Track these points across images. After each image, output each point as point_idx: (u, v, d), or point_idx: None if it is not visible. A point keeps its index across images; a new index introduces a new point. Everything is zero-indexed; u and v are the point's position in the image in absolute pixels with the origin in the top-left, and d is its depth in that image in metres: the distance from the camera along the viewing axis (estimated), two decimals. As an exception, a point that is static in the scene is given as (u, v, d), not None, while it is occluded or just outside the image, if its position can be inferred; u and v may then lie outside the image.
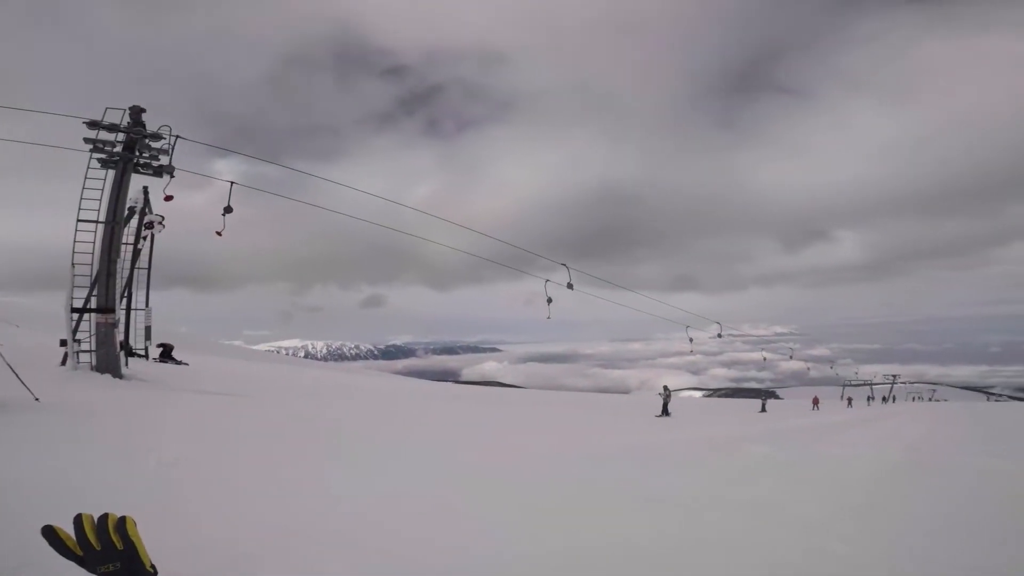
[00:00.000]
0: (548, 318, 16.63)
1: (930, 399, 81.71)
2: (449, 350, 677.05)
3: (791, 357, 36.36)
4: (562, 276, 17.36)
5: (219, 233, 11.06)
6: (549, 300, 16.66)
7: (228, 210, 10.91)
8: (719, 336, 24.00)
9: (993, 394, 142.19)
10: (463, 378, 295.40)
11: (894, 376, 70.30)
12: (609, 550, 4.56)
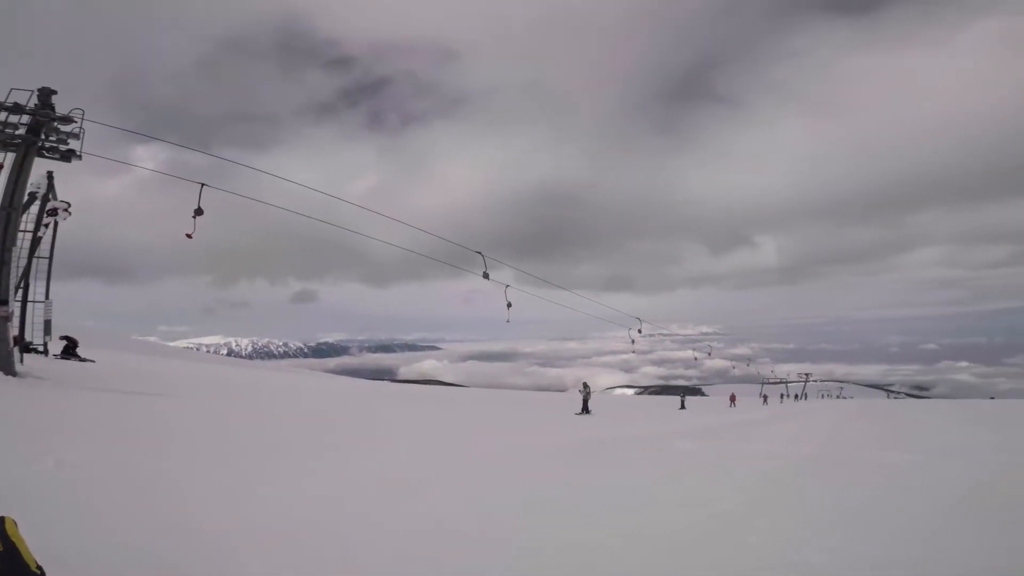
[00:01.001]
0: (507, 321, 17.32)
1: (838, 396, 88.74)
2: (385, 348, 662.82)
3: (709, 354, 38.06)
4: (508, 277, 17.45)
5: (189, 236, 10.55)
6: (509, 305, 17.40)
7: (199, 212, 10.46)
8: (638, 331, 24.49)
9: (893, 392, 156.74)
10: (400, 377, 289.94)
11: (807, 375, 75.90)
12: (543, 548, 4.58)
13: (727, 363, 55.18)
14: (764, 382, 60.65)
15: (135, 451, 6.72)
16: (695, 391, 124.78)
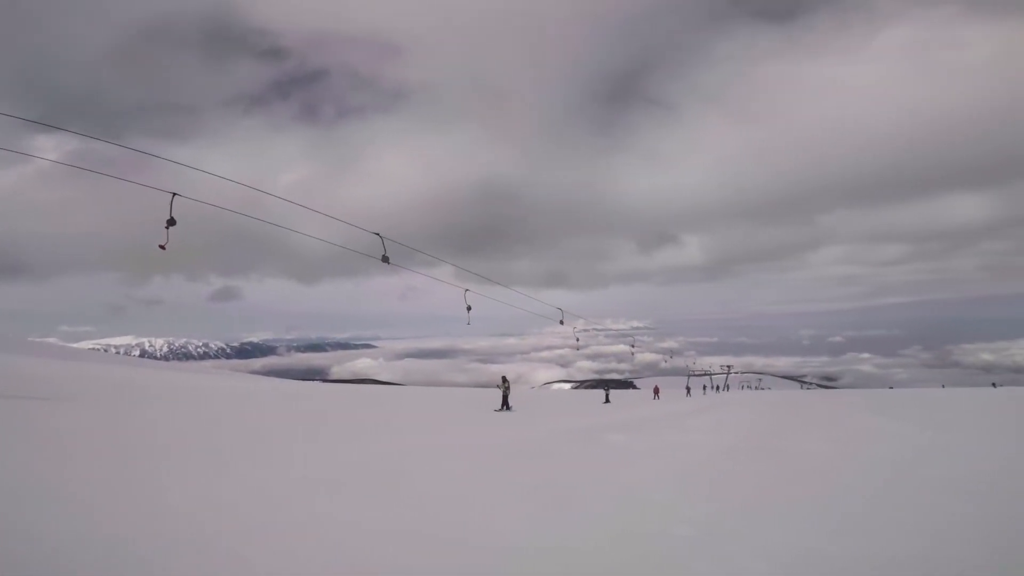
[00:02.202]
0: (468, 324, 17.39)
1: (757, 388, 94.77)
2: (316, 347, 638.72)
3: (632, 347, 38.75)
4: (446, 273, 17.04)
5: (162, 247, 10.19)
6: (469, 308, 17.45)
7: (171, 222, 10.11)
8: (560, 323, 24.26)
9: (805, 382, 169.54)
10: (333, 376, 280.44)
11: (728, 367, 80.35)
12: (482, 545, 4.52)
13: (657, 356, 57.42)
14: (690, 374, 63.54)
15: (32, 461, 5.98)
16: (627, 384, 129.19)
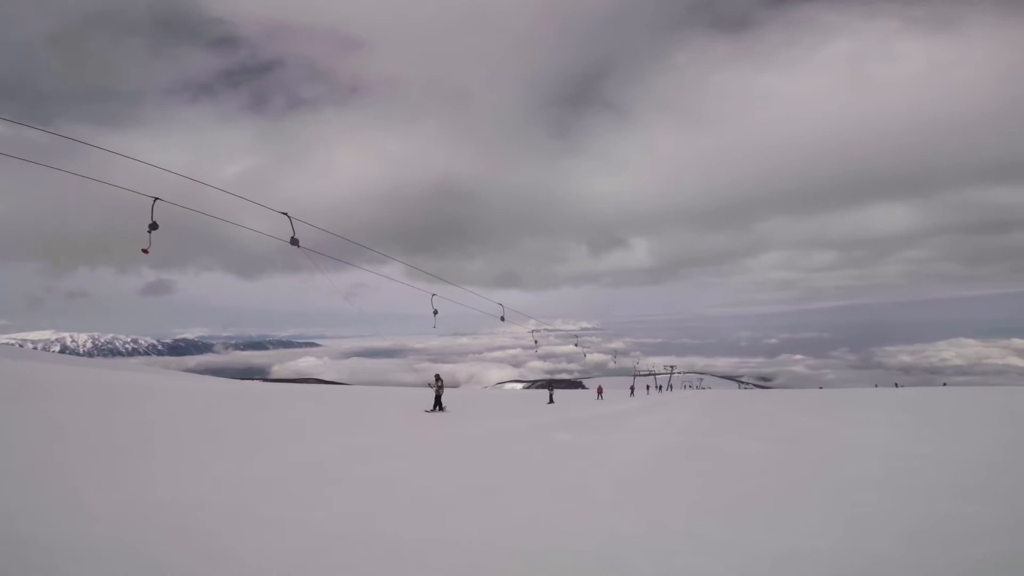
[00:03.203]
0: (434, 327, 17.60)
1: (697, 387, 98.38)
2: (256, 345, 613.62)
3: (576, 344, 38.99)
4: (397, 271, 16.54)
5: (145, 251, 10.27)
6: (435, 312, 17.63)
7: (153, 227, 10.19)
8: (501, 318, 23.72)
9: (743, 382, 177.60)
10: (274, 375, 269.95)
11: (672, 367, 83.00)
12: (433, 543, 4.51)
13: (605, 357, 58.58)
14: (635, 374, 65.13)
15: None
16: (576, 384, 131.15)
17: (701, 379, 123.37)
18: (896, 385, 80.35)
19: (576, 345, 39.13)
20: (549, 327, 39.07)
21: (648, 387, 63.85)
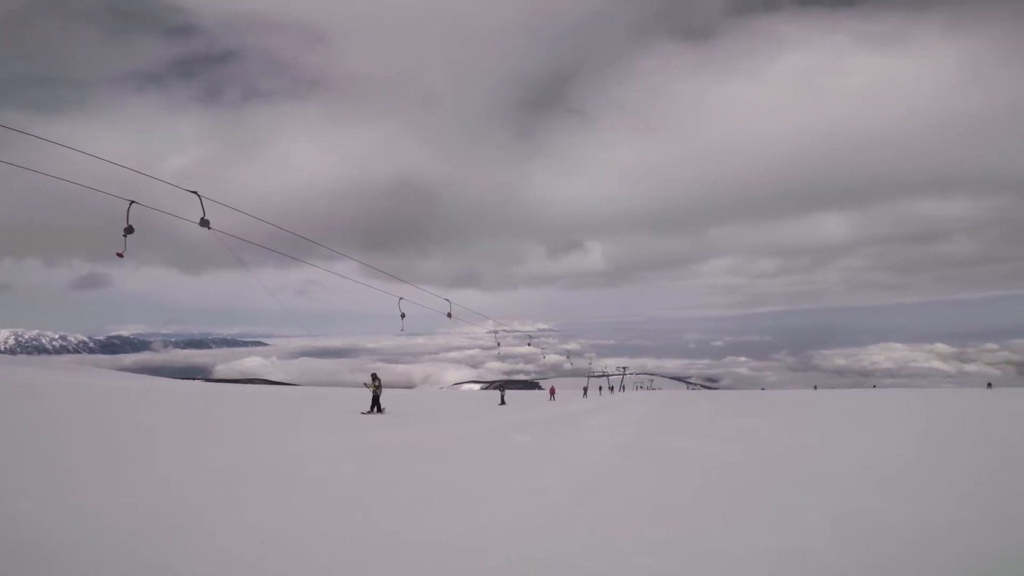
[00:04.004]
0: (402, 330, 17.88)
1: (648, 387, 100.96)
2: (199, 344, 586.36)
3: (529, 343, 38.86)
4: (349, 268, 16.07)
5: (120, 255, 10.20)
6: (403, 315, 17.66)
7: (129, 230, 10.13)
8: (448, 315, 22.42)
9: (691, 383, 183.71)
10: (217, 375, 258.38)
11: (624, 368, 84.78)
12: (388, 543, 4.47)
13: (561, 358, 59.13)
14: (590, 375, 66.10)
15: None
16: (533, 385, 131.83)
17: (652, 380, 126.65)
18: (815, 387, 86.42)
19: (529, 344, 39.02)
20: (507, 328, 39.00)
21: (600, 388, 64.77)
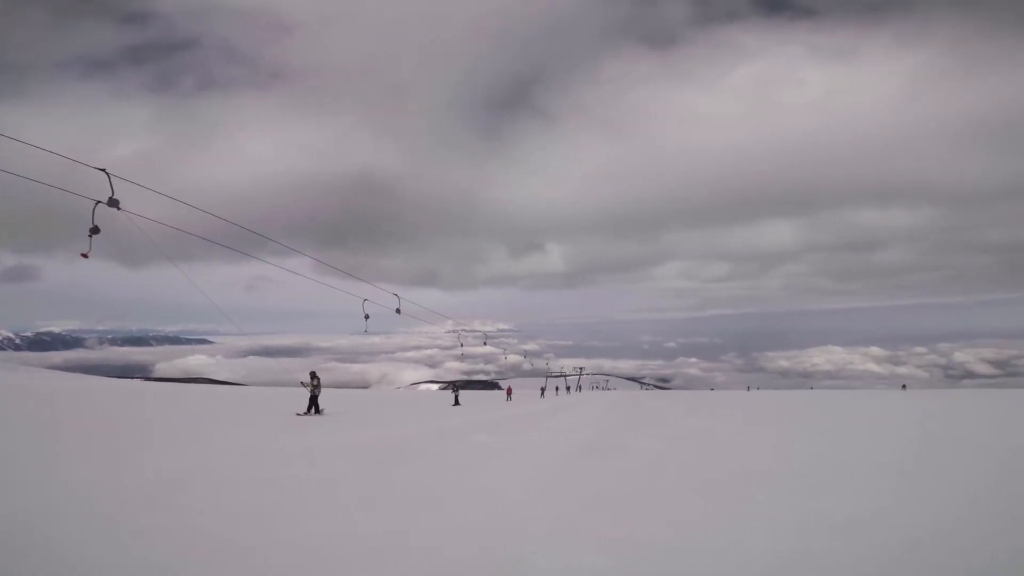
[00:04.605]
0: (366, 331, 17.87)
1: (604, 388, 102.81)
2: (138, 341, 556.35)
3: (485, 343, 38.49)
4: (302, 265, 15.58)
5: (85, 255, 10.12)
6: (367, 316, 17.55)
7: (95, 230, 10.04)
8: (397, 311, 21.55)
9: (644, 383, 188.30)
10: (157, 374, 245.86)
11: (581, 368, 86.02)
12: (346, 544, 4.38)
13: (520, 358, 59.39)
14: (548, 375, 66.72)
15: None
16: (492, 385, 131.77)
17: (607, 380, 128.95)
18: (748, 388, 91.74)
19: (485, 344, 38.39)
20: (466, 328, 38.77)
21: (557, 388, 65.44)
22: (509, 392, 41.36)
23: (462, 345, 34.25)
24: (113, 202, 10.14)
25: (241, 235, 15.91)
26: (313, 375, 19.27)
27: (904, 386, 73.29)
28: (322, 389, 19.42)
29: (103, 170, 10.13)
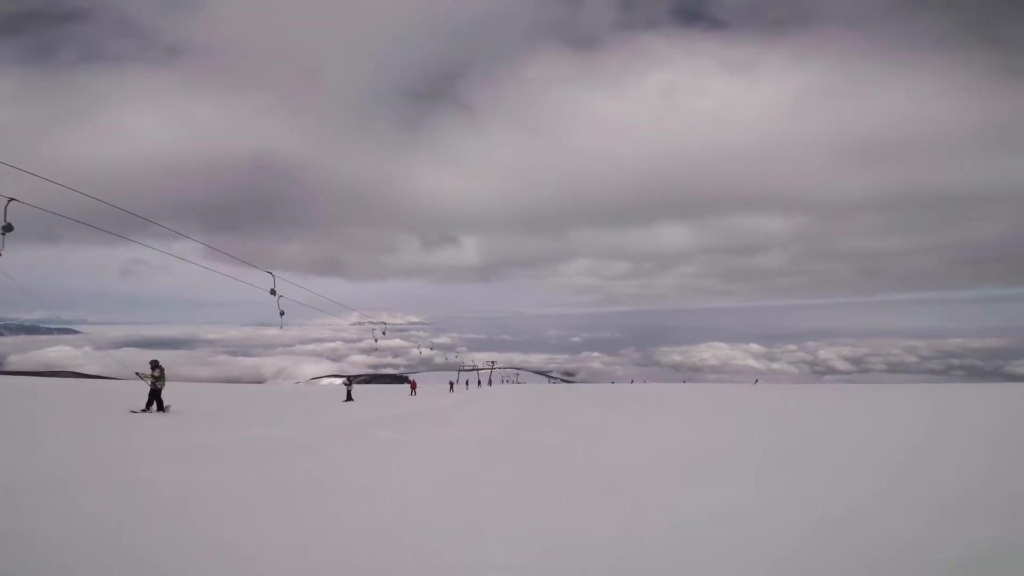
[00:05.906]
0: (281, 328, 17.71)
1: (514, 381, 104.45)
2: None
3: (384, 333, 36.40)
4: (189, 249, 14.27)
5: None
6: (282, 313, 17.23)
7: (8, 228, 9.98)
8: (272, 292, 18.30)
9: (552, 376, 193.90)
10: (10, 367, 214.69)
11: (492, 362, 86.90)
12: (254, 545, 4.25)
13: (432, 351, 58.92)
14: (460, 369, 66.70)
15: None
16: (403, 379, 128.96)
17: (518, 374, 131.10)
18: (631, 381, 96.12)
19: (384, 334, 36.47)
20: (374, 320, 37.61)
21: (467, 382, 65.65)
22: (413, 386, 40.02)
23: (376, 340, 33.26)
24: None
25: (117, 216, 14.38)
26: (155, 364, 16.09)
27: (756, 380, 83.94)
28: (166, 382, 16.17)
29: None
